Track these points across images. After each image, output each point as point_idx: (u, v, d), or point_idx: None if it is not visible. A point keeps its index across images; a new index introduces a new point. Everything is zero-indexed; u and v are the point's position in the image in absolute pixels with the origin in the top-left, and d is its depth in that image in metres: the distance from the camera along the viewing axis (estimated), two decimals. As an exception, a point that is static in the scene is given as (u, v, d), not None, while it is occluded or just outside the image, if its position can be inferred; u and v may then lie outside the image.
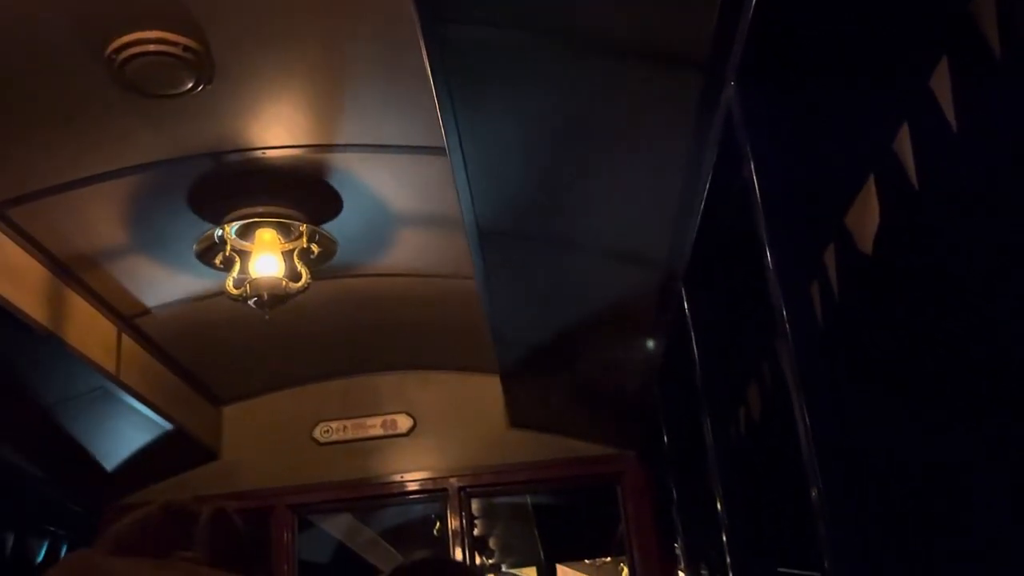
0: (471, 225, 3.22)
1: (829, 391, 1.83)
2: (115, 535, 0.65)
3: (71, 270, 3.98)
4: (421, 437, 5.53)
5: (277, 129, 3.38)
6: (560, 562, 9.55)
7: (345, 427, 5.55)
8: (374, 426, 5.54)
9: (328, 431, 5.55)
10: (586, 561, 10.65)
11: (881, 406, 2.02)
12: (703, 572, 4.92)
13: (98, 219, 3.76)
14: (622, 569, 10.49)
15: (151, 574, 0.58)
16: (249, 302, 3.89)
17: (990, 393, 1.72)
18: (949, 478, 1.88)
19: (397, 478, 5.52)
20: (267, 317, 4.00)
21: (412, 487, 5.54)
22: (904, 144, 1.59)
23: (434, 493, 5.56)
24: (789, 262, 1.93)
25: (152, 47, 2.85)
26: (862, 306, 2.04)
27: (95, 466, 5.15)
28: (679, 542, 4.46)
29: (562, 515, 7.95)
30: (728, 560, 3.05)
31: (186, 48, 2.88)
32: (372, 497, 5.69)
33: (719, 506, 3.04)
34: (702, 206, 2.62)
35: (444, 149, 2.78)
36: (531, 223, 3.37)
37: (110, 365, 4.33)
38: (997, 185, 1.47)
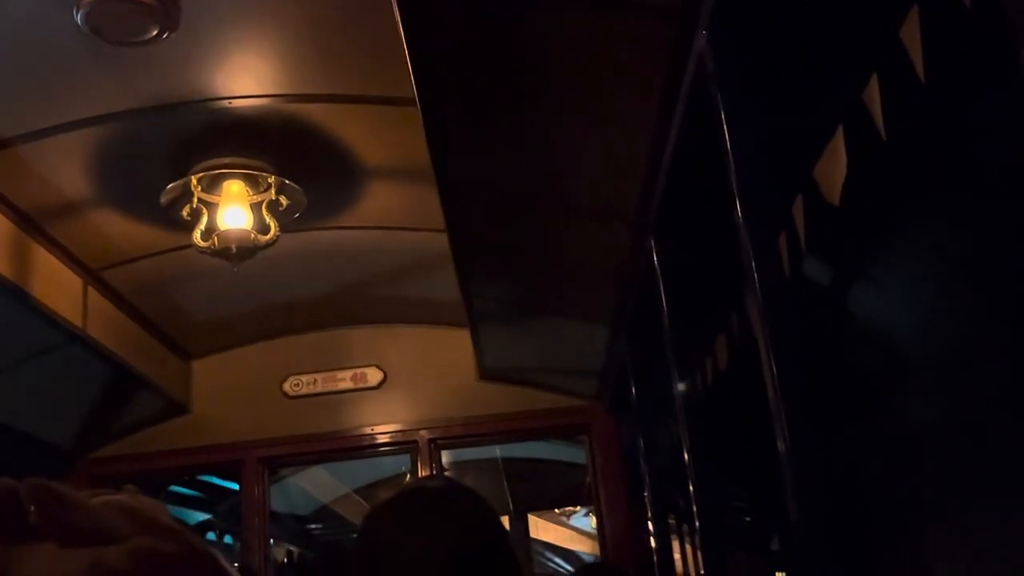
0: (441, 177, 3.21)
1: (796, 341, 1.85)
2: None
3: (36, 222, 3.92)
4: (391, 390, 5.55)
5: (244, 78, 3.34)
6: (530, 512, 9.66)
7: (315, 380, 5.56)
8: (344, 379, 5.55)
9: (298, 384, 5.55)
10: (556, 511, 10.77)
11: (847, 356, 2.05)
12: (670, 521, 5.01)
13: (63, 170, 3.71)
14: (590, 519, 10.65)
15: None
16: (218, 255, 3.86)
17: (963, 345, 1.76)
18: (915, 428, 1.92)
19: (367, 431, 5.54)
20: (236, 270, 3.98)
21: (382, 440, 5.57)
22: (873, 94, 1.60)
23: (404, 445, 5.59)
24: (758, 214, 1.94)
25: (115, -7, 2.79)
26: (828, 257, 2.07)
27: (64, 421, 5.12)
28: (646, 492, 4.52)
29: (531, 466, 8.04)
30: (695, 510, 3.10)
31: (150, -6, 2.83)
32: (342, 450, 5.72)
33: (686, 456, 3.08)
34: (672, 159, 2.63)
35: (414, 100, 2.76)
36: (501, 175, 3.36)
37: (77, 319, 4.29)
38: (963, 136, 1.48)
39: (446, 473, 5.89)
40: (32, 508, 0.58)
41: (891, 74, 1.58)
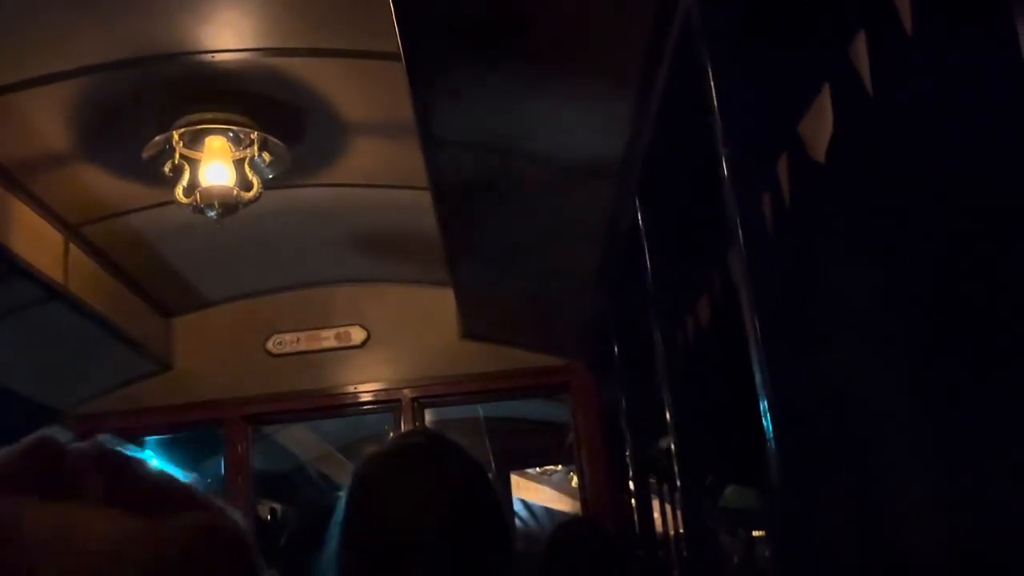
0: (423, 135, 3.19)
1: (779, 299, 1.86)
2: None
3: (15, 177, 3.88)
4: (374, 349, 5.56)
5: (226, 32, 3.30)
6: (512, 471, 9.73)
7: (298, 339, 5.56)
8: (328, 338, 5.56)
9: (281, 343, 5.55)
10: (537, 470, 10.85)
11: (831, 315, 2.06)
12: (651, 480, 5.06)
13: (42, 124, 3.66)
14: (570, 477, 10.74)
15: (33, 514, 0.55)
16: (200, 211, 3.83)
17: (944, 308, 1.77)
18: (895, 391, 1.94)
19: (351, 389, 5.56)
20: (218, 227, 3.95)
21: (365, 398, 5.59)
22: (860, 49, 1.60)
23: (387, 404, 5.61)
24: (744, 171, 1.95)
25: (94, -57, 2.75)
26: (813, 214, 2.07)
27: (45, 378, 5.11)
28: (628, 451, 4.56)
29: (513, 425, 8.09)
30: (676, 468, 3.12)
31: (130, -56, 2.78)
32: (325, 408, 5.74)
33: (668, 415, 3.10)
34: (656, 116, 2.62)
35: (398, 55, 2.73)
36: (484, 133, 3.35)
37: (57, 275, 4.26)
38: (951, 91, 1.48)
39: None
40: (99, 473, 0.60)
41: (878, 28, 1.58)
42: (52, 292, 4.26)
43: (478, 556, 1.44)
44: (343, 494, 1.49)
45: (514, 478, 10.03)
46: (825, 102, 1.85)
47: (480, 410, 7.52)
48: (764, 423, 1.88)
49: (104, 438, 0.65)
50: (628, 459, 4.61)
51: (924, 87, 1.58)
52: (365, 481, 1.50)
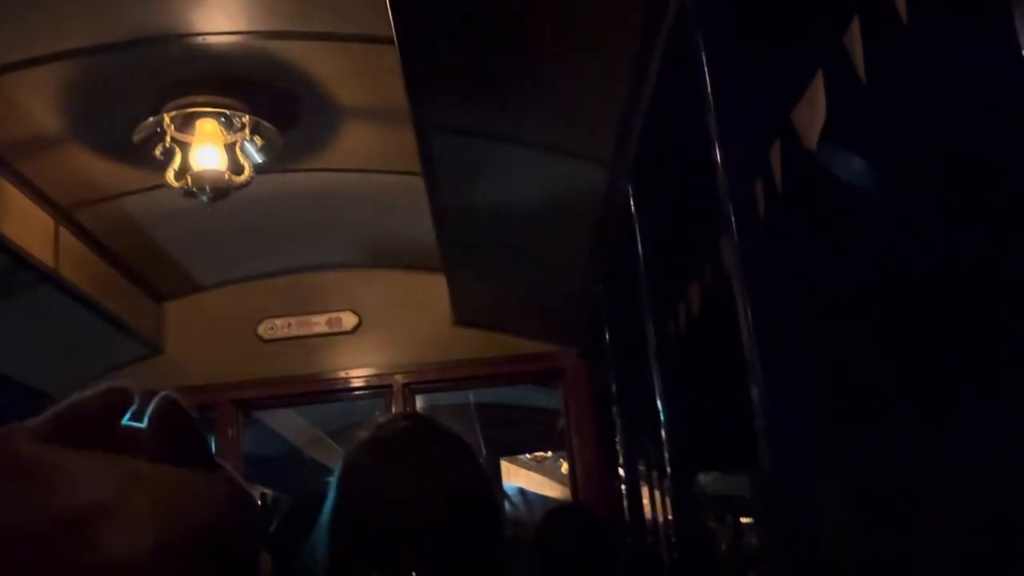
0: (418, 119, 3.18)
1: (772, 286, 1.86)
2: (50, 419, 0.58)
3: (5, 160, 3.86)
4: (366, 334, 5.56)
5: (218, 14, 3.28)
6: (502, 457, 9.76)
7: (290, 324, 5.55)
8: (319, 323, 5.55)
9: (273, 328, 5.54)
10: (526, 456, 10.88)
11: (823, 303, 2.07)
12: (641, 467, 5.07)
13: (33, 106, 3.64)
14: (561, 464, 10.78)
15: (94, 469, 0.55)
16: (191, 195, 3.82)
17: (935, 295, 1.77)
18: (891, 376, 1.95)
19: (342, 374, 5.56)
20: (209, 211, 3.94)
21: (357, 384, 5.59)
22: (854, 36, 1.59)
23: (379, 389, 5.61)
24: (737, 158, 1.94)
25: (85, -77, 2.73)
26: (805, 202, 2.07)
27: (36, 362, 5.09)
28: (618, 438, 4.57)
29: (504, 411, 8.10)
30: (666, 455, 3.13)
31: (121, -75, 2.76)
32: (317, 393, 5.73)
33: (658, 402, 3.11)
34: (650, 101, 2.61)
35: (391, 39, 2.72)
36: (477, 118, 3.34)
37: (48, 258, 4.24)
38: (947, 79, 1.48)
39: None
40: (158, 428, 0.61)
41: (873, 15, 1.57)
42: (42, 275, 4.24)
43: (469, 542, 1.44)
44: (332, 481, 1.49)
45: (504, 464, 10.05)
46: (819, 89, 1.85)
47: (471, 396, 7.53)
48: (755, 409, 1.88)
49: (167, 394, 0.66)
50: (619, 445, 4.61)
51: (919, 75, 1.58)
52: (354, 468, 1.49)
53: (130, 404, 0.63)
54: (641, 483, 5.03)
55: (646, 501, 5.27)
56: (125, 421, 0.61)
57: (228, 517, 0.63)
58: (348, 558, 1.42)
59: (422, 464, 1.46)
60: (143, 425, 0.62)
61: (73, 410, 0.62)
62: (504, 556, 1.51)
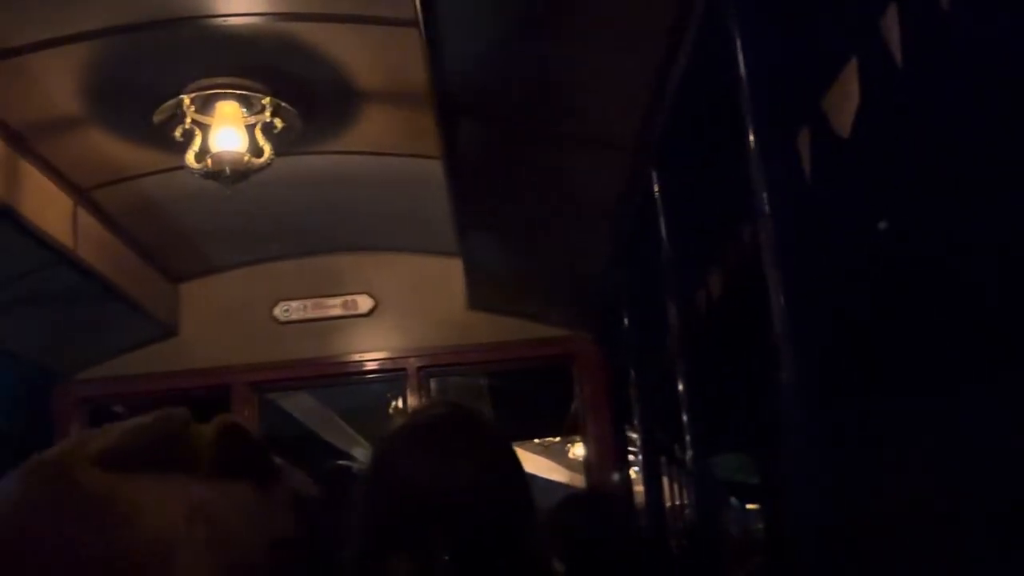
0: (438, 102, 3.17)
1: (804, 273, 1.85)
2: (111, 446, 0.56)
3: (26, 140, 3.86)
4: (381, 317, 5.55)
5: (240, -5, 3.27)
6: (515, 443, 9.76)
7: (305, 306, 5.54)
8: (335, 306, 5.54)
9: (288, 310, 5.54)
10: (535, 441, 10.89)
11: (852, 288, 2.06)
12: (656, 453, 5.07)
13: (54, 87, 3.63)
14: (568, 449, 10.79)
15: (155, 501, 0.54)
16: (210, 177, 3.81)
17: (965, 280, 1.76)
18: (916, 360, 1.94)
19: (357, 357, 5.56)
20: (228, 193, 3.94)
21: (371, 367, 5.59)
22: (891, 20, 1.58)
23: (393, 373, 5.61)
24: (769, 144, 1.93)
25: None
26: (835, 189, 2.06)
27: (51, 342, 5.11)
28: (635, 421, 4.57)
29: (516, 396, 8.08)
30: (688, 440, 3.12)
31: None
32: (331, 376, 5.73)
33: (680, 387, 3.10)
34: (678, 87, 2.60)
35: (415, 21, 2.71)
36: (498, 103, 3.33)
37: (67, 239, 4.25)
38: (984, 63, 1.47)
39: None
40: (230, 449, 0.62)
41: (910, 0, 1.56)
42: (60, 256, 4.25)
43: (501, 527, 1.44)
44: (366, 464, 1.50)
45: (518, 450, 10.06)
46: (851, 75, 1.84)
47: (483, 379, 7.51)
48: (783, 395, 1.87)
49: (226, 416, 0.67)
50: (635, 431, 4.62)
51: (957, 61, 1.57)
52: (390, 453, 1.51)
53: (187, 427, 0.63)
54: (657, 468, 5.04)
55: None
56: (184, 444, 0.62)
57: (291, 530, 0.63)
58: (379, 541, 1.42)
59: (457, 450, 1.47)
60: (203, 447, 0.63)
61: (133, 435, 0.62)
62: (536, 541, 1.52)
